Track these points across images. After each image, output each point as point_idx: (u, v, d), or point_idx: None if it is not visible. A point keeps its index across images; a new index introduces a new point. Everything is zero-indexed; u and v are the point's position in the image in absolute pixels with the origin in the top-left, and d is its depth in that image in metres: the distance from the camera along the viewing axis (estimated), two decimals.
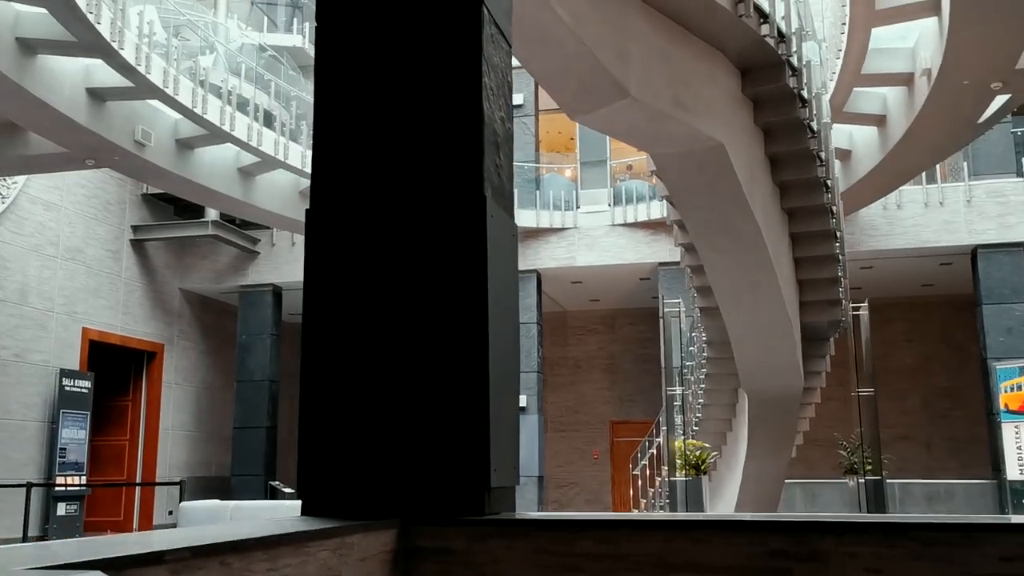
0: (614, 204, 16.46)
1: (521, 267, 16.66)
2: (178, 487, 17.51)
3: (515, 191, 15.99)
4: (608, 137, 16.94)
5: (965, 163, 14.88)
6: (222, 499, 18.68)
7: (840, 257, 8.02)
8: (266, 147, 12.59)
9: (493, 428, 2.28)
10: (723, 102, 6.47)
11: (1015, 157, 15.50)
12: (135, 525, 16.92)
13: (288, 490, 16.96)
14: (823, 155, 7.30)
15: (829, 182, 7.49)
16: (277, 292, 18.05)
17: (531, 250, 16.70)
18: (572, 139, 18.92)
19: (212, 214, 16.80)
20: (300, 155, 13.18)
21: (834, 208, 7.69)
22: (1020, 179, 15.12)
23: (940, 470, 16.75)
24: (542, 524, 2.21)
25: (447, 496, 2.42)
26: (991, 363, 14.03)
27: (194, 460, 18.45)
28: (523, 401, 16.25)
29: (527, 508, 15.91)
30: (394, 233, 2.48)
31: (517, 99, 17.26)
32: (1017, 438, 13.18)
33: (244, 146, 12.42)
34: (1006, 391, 13.54)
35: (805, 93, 6.87)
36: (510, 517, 2.31)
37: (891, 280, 16.28)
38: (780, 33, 6.48)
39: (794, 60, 6.58)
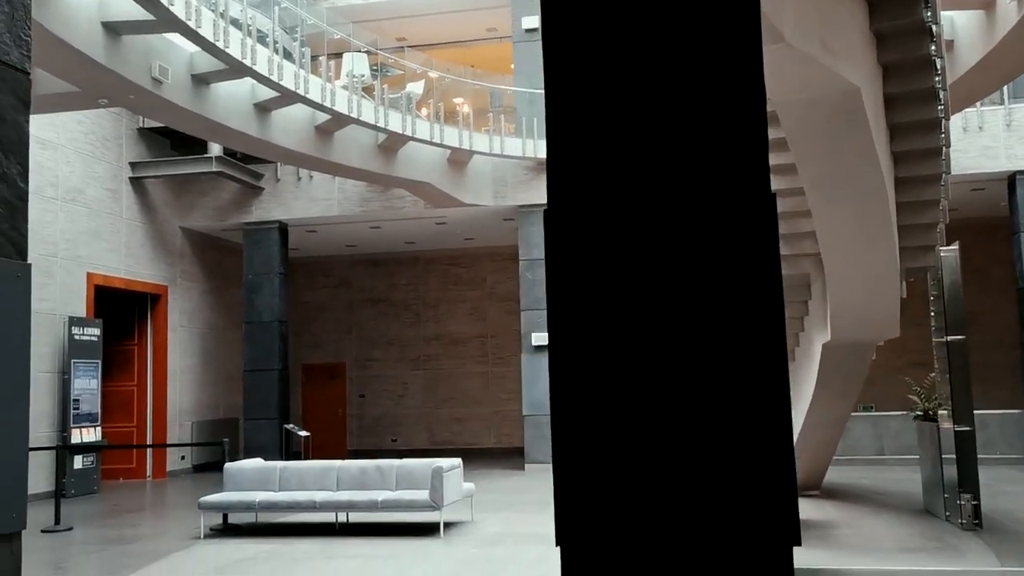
0: None
1: (540, 200, 16.11)
2: (189, 429, 17.12)
3: (534, 120, 15.30)
4: None
5: (1005, 86, 14.42)
6: (233, 442, 18.30)
7: (943, 200, 7.62)
8: (286, 81, 11.78)
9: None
10: (860, 42, 5.93)
11: None
12: (148, 472, 16.49)
13: (303, 433, 16.59)
14: (942, 94, 6.81)
15: (944, 120, 7.02)
16: (283, 229, 17.34)
17: None
18: None
19: (216, 150, 15.95)
20: (320, 88, 12.38)
21: (944, 148, 7.24)
22: None
23: None
24: None
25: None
26: None
27: (203, 403, 17.97)
28: (545, 339, 15.87)
29: None
30: (666, 238, 2.14)
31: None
32: None
33: (264, 80, 11.60)
34: None
35: (934, 26, 6.33)
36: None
37: None
38: None
39: None
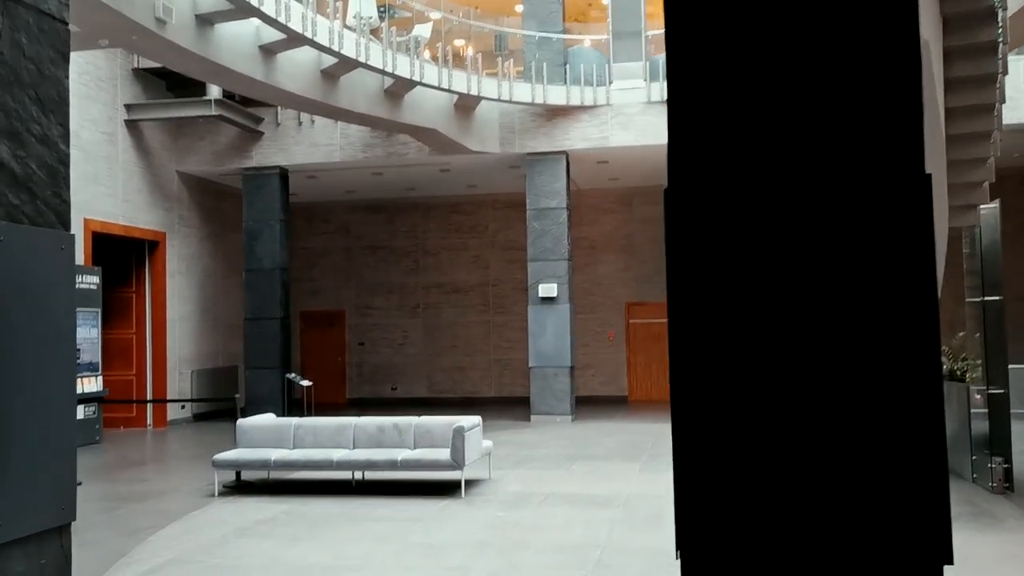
0: (650, 80, 15.42)
1: (549, 148, 15.76)
2: (189, 377, 16.89)
3: (544, 65, 14.88)
4: (642, 3, 15.76)
5: None
6: (233, 391, 18.12)
7: (990, 156, 7.35)
8: (293, 23, 11.29)
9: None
10: None
11: None
12: (149, 421, 16.30)
13: (305, 382, 16.41)
14: (1002, 47, 6.50)
15: (999, 69, 6.72)
16: (284, 174, 16.92)
17: (559, 130, 15.72)
18: (597, 4, 17.64)
19: (214, 92, 15.44)
20: (328, 31, 11.89)
21: (997, 104, 6.95)
22: None
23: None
24: None
25: None
26: None
27: (203, 351, 17.72)
28: (553, 290, 15.67)
29: (560, 401, 15.60)
30: (805, 222, 1.99)
31: None
32: None
33: (270, 21, 11.11)
34: None
35: None
36: None
37: None
38: None
39: None
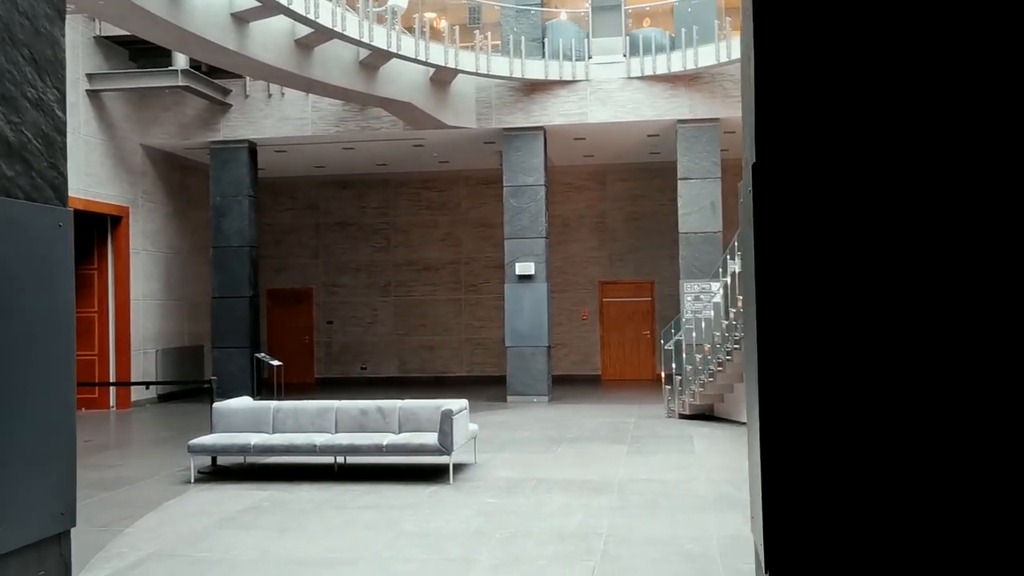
0: (630, 55, 15.15)
1: (526, 123, 15.46)
2: (153, 357, 16.41)
3: (521, 39, 14.53)
4: None
5: None
6: (199, 371, 17.65)
7: None
8: None
9: None
10: None
11: None
12: (112, 403, 15.80)
13: (275, 362, 16.01)
14: None
15: None
16: (253, 149, 16.41)
17: (537, 105, 15.41)
18: None
19: (181, 62, 14.87)
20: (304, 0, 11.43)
21: None
22: None
23: None
24: None
25: None
26: None
27: (167, 330, 17.20)
28: (531, 268, 15.41)
29: (536, 381, 15.40)
30: (930, 207, 1.85)
31: None
32: None
33: None
34: None
35: None
36: None
37: None
38: None
39: None
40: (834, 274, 2.25)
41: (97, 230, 15.74)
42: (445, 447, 8.68)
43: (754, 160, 2.47)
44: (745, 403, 2.79)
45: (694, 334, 13.02)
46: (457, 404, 9.07)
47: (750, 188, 2.45)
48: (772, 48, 2.48)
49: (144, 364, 16.41)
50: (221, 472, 9.51)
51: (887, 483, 2.04)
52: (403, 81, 14.10)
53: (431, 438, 8.79)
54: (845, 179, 2.31)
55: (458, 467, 9.30)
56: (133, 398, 15.97)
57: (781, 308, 2.31)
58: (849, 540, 2.02)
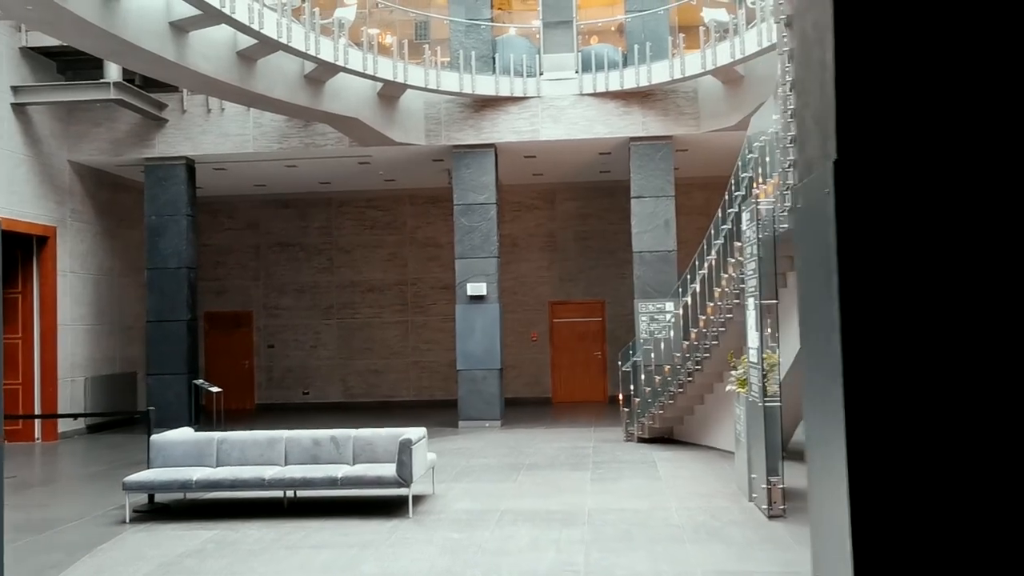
0: (582, 71, 14.89)
1: (477, 140, 15.09)
2: (82, 385, 15.57)
3: (472, 54, 14.19)
4: None
5: None
6: (131, 400, 16.78)
7: None
8: None
9: None
10: None
11: None
12: (37, 435, 14.86)
13: (214, 389, 15.29)
14: None
15: None
16: (190, 166, 15.71)
17: (488, 121, 15.05)
18: None
19: (113, 74, 14.16)
20: (247, 8, 10.89)
21: None
22: None
23: None
24: None
25: None
26: None
27: (97, 356, 16.32)
28: (483, 289, 15.00)
29: (489, 405, 14.95)
30: None
31: None
32: None
33: None
34: None
35: None
36: None
37: None
38: None
39: None
40: (939, 281, 1.94)
41: (21, 251, 14.86)
42: (404, 479, 8.18)
43: (835, 157, 2.12)
44: (805, 431, 2.42)
45: (652, 355, 12.71)
46: (415, 433, 8.58)
47: (829, 189, 2.09)
48: (859, 30, 2.10)
49: (72, 393, 15.50)
50: (160, 510, 8.83)
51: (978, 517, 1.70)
52: (350, 96, 13.62)
53: (389, 469, 8.27)
54: (946, 174, 1.96)
55: (417, 498, 8.78)
56: (60, 429, 15.05)
57: (875, 318, 1.98)
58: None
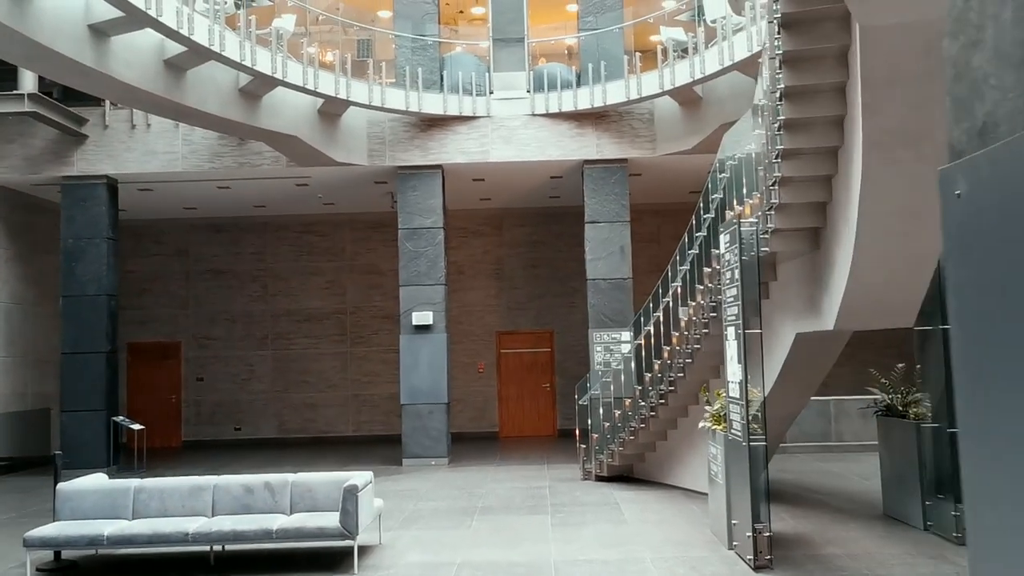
0: (534, 91, 14.27)
1: (423, 161, 14.32)
2: None
3: (418, 71, 13.44)
4: (525, 9, 14.64)
5: None
6: (44, 438, 15.45)
7: None
8: None
9: None
10: None
11: None
12: None
13: (136, 426, 14.12)
14: None
15: None
16: (112, 185, 14.60)
17: (435, 142, 14.30)
18: (470, 12, 16.39)
19: (28, 85, 13.06)
20: (176, 12, 9.99)
21: None
22: None
23: None
24: None
25: None
26: None
27: (6, 391, 15.00)
28: (429, 318, 14.15)
29: (435, 442, 14.07)
30: None
31: None
32: None
33: None
34: None
35: None
36: None
37: None
38: None
39: None
40: None
41: None
42: (349, 530, 7.27)
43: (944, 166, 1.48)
44: (965, 479, 1.69)
45: (612, 387, 12.00)
46: (361, 478, 7.68)
47: None
48: None
49: None
50: (66, 568, 7.75)
51: None
52: (288, 112, 12.75)
53: (332, 519, 7.36)
54: None
55: (363, 549, 7.86)
56: None
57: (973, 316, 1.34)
58: None
